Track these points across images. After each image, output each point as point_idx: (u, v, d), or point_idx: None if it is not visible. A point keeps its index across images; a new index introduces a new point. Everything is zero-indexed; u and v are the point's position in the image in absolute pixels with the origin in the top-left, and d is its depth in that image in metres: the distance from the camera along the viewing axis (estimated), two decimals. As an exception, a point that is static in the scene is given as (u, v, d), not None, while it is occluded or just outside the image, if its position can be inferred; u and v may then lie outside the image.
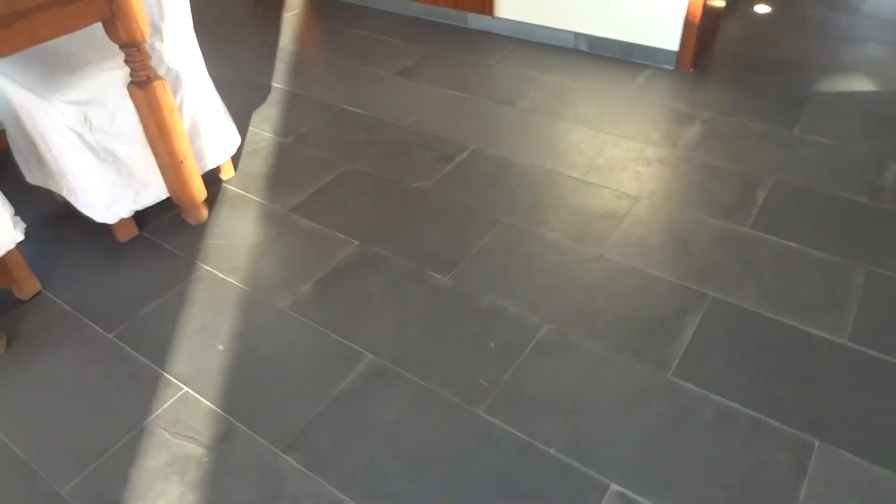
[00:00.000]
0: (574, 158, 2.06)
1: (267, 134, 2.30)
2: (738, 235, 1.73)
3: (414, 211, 1.90)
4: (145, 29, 1.53)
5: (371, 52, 2.82)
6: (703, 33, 2.46)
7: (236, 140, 2.01)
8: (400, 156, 2.14)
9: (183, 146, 1.74)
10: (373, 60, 2.74)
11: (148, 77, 1.60)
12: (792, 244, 1.69)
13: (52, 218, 1.94)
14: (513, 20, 2.82)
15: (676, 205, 1.85)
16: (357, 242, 1.79)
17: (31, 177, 1.89)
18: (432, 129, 2.26)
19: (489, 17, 2.87)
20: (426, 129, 2.26)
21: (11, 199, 1.59)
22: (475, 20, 2.93)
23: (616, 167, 2.01)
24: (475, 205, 1.90)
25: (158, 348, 1.53)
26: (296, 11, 3.26)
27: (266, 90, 2.57)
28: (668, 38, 2.48)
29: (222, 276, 1.72)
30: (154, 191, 1.82)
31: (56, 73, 1.59)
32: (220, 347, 1.52)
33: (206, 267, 1.75)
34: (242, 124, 2.36)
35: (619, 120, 2.24)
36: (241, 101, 2.49)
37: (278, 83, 2.61)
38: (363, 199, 1.96)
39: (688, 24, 2.40)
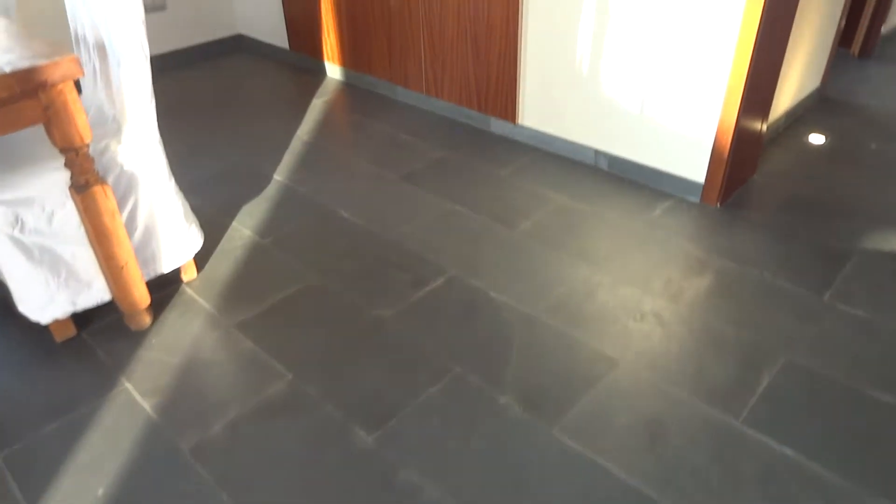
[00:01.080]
0: (560, 300, 1.83)
1: (247, 231, 2.20)
2: (724, 430, 1.43)
3: (365, 345, 1.71)
4: (85, 134, 1.45)
5: (385, 150, 2.72)
6: (734, 164, 2.21)
7: (197, 244, 1.90)
8: (372, 275, 1.97)
9: (124, 251, 1.64)
10: (383, 160, 2.63)
11: (87, 181, 1.52)
12: (788, 452, 1.38)
13: None
14: (535, 129, 2.67)
15: (661, 377, 1.58)
16: (290, 376, 1.62)
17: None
18: (417, 245, 2.09)
19: (511, 124, 2.73)
20: (410, 245, 2.09)
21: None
22: (498, 125, 2.79)
23: (605, 318, 1.77)
24: (431, 346, 1.69)
25: (39, 482, 1.38)
26: (327, 98, 3.23)
27: (264, 182, 2.50)
28: (694, 167, 2.25)
29: (138, 398, 1.57)
30: (96, 292, 1.72)
31: (-3, 170, 1.53)
32: (100, 492, 1.35)
33: (127, 385, 1.61)
34: (227, 218, 2.27)
35: (623, 258, 2.00)
36: (234, 192, 2.42)
37: (280, 175, 2.54)
38: (316, 324, 1.79)
39: (715, 153, 2.17)
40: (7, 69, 1.30)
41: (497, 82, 2.68)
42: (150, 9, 3.51)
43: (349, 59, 3.30)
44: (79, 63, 1.36)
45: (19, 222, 1.53)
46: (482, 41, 2.63)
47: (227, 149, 2.76)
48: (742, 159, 2.28)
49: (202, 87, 3.43)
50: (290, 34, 3.58)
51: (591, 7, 2.25)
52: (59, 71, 1.34)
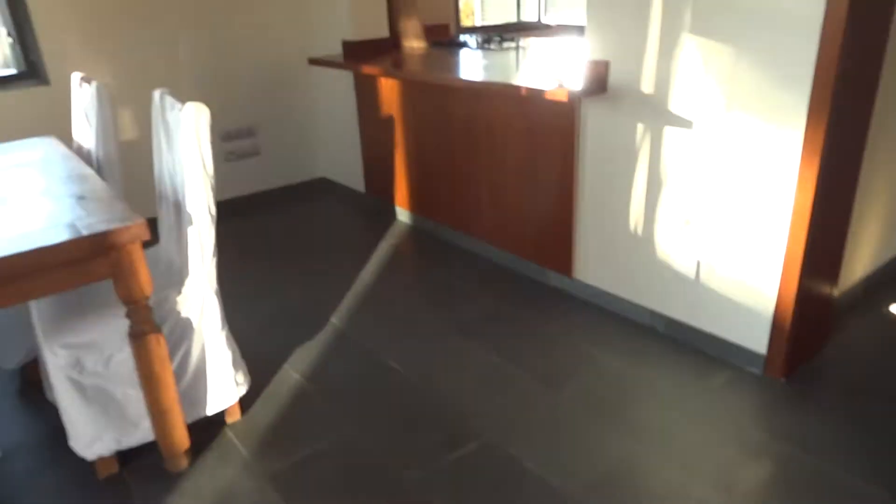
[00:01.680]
0: (599, 478, 1.72)
1: (295, 375, 2.25)
2: None
3: (388, 511, 1.66)
4: (146, 288, 1.58)
5: (442, 297, 2.77)
6: (799, 335, 2.09)
7: (242, 389, 1.96)
8: (408, 430, 1.94)
9: (168, 397, 1.71)
10: (438, 308, 2.68)
11: (143, 330, 1.63)
12: None
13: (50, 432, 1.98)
14: (590, 285, 2.65)
15: (705, 584, 1.41)
16: (308, 541, 1.58)
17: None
18: (458, 402, 2.06)
19: (568, 278, 2.73)
20: (451, 402, 2.07)
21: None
22: (555, 278, 2.80)
23: None
24: (456, 520, 1.61)
25: None
26: (394, 241, 3.38)
27: (322, 324, 2.58)
28: (754, 336, 2.14)
29: (158, 549, 1.57)
30: (142, 432, 1.79)
31: (67, 313, 1.68)
32: None
33: (150, 532, 1.62)
34: (280, 359, 2.34)
35: (673, 434, 1.88)
36: (291, 333, 2.51)
37: (336, 318, 2.62)
38: (338, 482, 1.76)
39: (777, 322, 2.06)
40: (85, 232, 1.46)
41: (554, 235, 2.72)
42: (246, 155, 3.89)
43: (417, 204, 3.48)
44: (146, 227, 1.51)
45: (79, 364, 1.64)
46: (540, 195, 2.71)
47: (293, 288, 2.91)
48: (808, 329, 2.15)
49: (282, 227, 3.68)
50: (367, 179, 3.84)
51: (644, 167, 2.30)
52: (128, 234, 1.49)
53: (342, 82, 3.71)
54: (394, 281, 2.95)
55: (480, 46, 3.65)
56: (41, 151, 2.23)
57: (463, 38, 4.03)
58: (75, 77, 2.39)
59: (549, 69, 2.72)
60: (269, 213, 3.88)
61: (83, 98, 2.30)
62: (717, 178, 2.10)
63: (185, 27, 3.47)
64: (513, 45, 3.68)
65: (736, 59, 1.95)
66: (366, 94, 3.57)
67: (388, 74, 3.11)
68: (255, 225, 3.72)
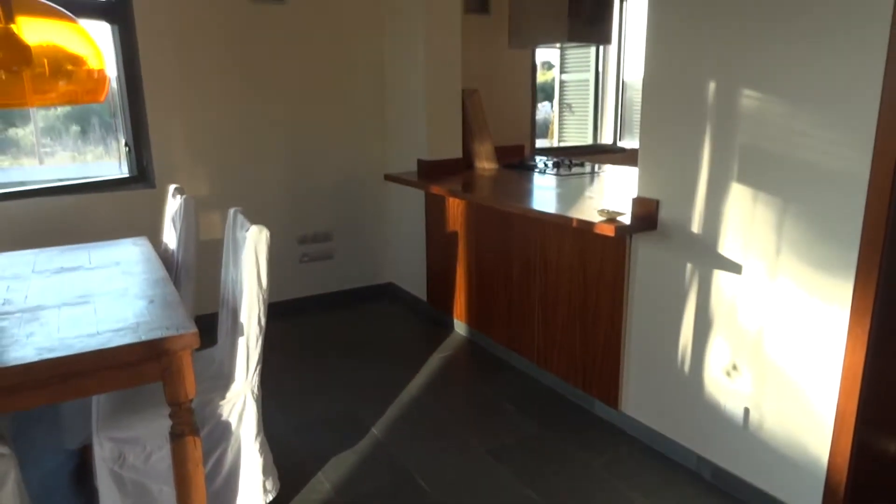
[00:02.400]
0: None
1: (327, 485, 2.28)
2: None
3: None
4: (191, 392, 1.70)
5: (484, 416, 2.77)
6: (858, 498, 1.92)
7: (270, 496, 2.01)
8: (426, 560, 1.91)
9: (197, 499, 1.79)
10: (479, 427, 2.67)
11: (183, 431, 1.74)
12: None
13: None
14: (636, 420, 2.57)
15: None
16: None
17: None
18: (481, 534, 2.02)
19: (614, 410, 2.66)
20: (474, 533, 2.02)
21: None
22: (601, 408, 2.74)
23: None
24: None
25: None
26: (447, 353, 3.43)
27: (361, 433, 2.62)
28: (807, 496, 1.98)
29: None
30: (171, 529, 1.86)
31: (121, 407, 1.82)
32: None
33: None
34: (315, 466, 2.39)
35: None
36: (330, 440, 2.56)
37: (377, 429, 2.66)
38: None
39: (830, 483, 1.91)
40: (143, 337, 1.61)
41: (601, 366, 2.68)
42: (320, 258, 4.13)
43: (473, 318, 3.54)
44: (197, 337, 1.65)
45: (122, 457, 1.76)
46: (590, 323, 2.71)
47: (342, 391, 2.99)
48: (868, 491, 1.97)
49: (344, 328, 3.83)
50: (429, 288, 3.96)
51: (692, 307, 2.27)
52: (180, 342, 1.64)
53: (414, 197, 3.94)
54: (440, 394, 2.97)
55: (550, 170, 3.80)
56: (131, 252, 2.50)
57: (535, 160, 4.20)
58: (171, 188, 2.70)
59: (605, 201, 2.80)
60: (334, 314, 4.06)
61: (174, 207, 2.58)
62: (766, 326, 2.05)
63: (277, 145, 3.85)
64: (583, 170, 3.80)
65: (783, 210, 1.96)
66: (434, 210, 3.76)
67: (452, 195, 3.28)
68: (318, 324, 3.89)
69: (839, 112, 1.78)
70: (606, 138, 5.59)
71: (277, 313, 3.98)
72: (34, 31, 1.95)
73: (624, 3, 5.32)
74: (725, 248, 2.14)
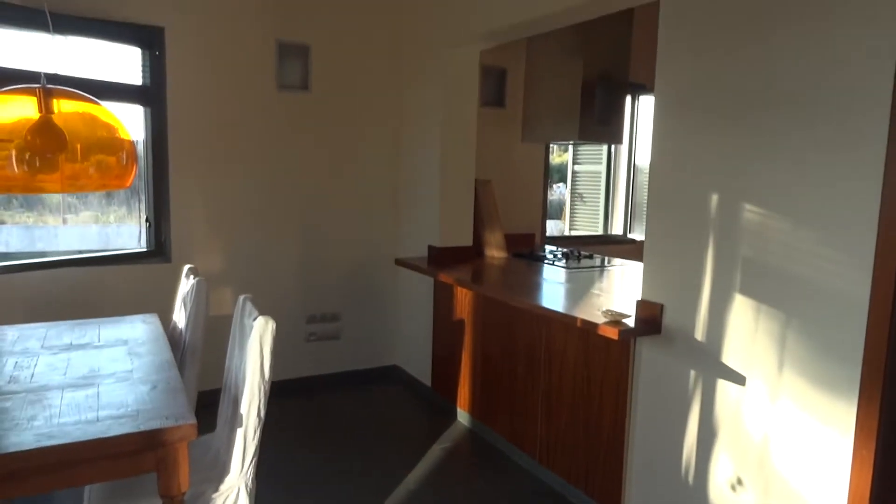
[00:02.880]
0: None
1: (316, 585, 2.21)
2: None
3: None
4: (184, 484, 1.69)
5: (479, 515, 2.69)
6: None
7: None
8: None
9: None
10: (473, 528, 2.59)
11: (171, 525, 1.71)
12: None
13: None
14: (639, 530, 2.49)
15: None
16: None
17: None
18: None
19: (616, 517, 2.58)
20: None
21: None
22: (603, 513, 2.66)
23: None
24: None
25: None
26: (449, 444, 3.37)
27: (355, 528, 2.56)
28: None
29: None
30: None
31: (113, 494, 1.80)
32: None
33: None
34: (305, 563, 2.32)
35: None
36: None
37: (371, 524, 2.59)
38: None
39: None
40: (142, 427, 1.62)
41: (604, 468, 2.63)
42: (327, 337, 4.15)
43: (477, 409, 3.50)
44: (195, 428, 1.66)
45: (108, 549, 1.73)
46: (592, 424, 2.67)
47: (337, 483, 2.93)
48: None
49: (347, 411, 3.80)
50: (434, 375, 3.94)
51: (695, 416, 2.24)
52: (178, 434, 1.64)
53: (423, 283, 3.98)
54: (439, 489, 2.90)
55: (559, 261, 3.84)
56: (140, 330, 2.53)
57: (545, 250, 4.27)
58: (185, 268, 2.76)
59: (612, 299, 2.82)
60: (338, 395, 4.03)
61: (186, 287, 2.64)
62: (771, 441, 2.01)
63: (293, 226, 3.95)
64: (592, 263, 3.84)
65: (785, 324, 1.96)
66: (442, 296, 3.79)
67: (460, 284, 3.32)
68: (321, 405, 3.86)
69: (838, 232, 1.82)
70: (617, 229, 5.67)
71: (281, 392, 3.96)
72: (70, 119, 2.07)
73: (636, 99, 5.52)
74: (729, 357, 2.14)
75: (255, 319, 1.88)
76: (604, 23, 3.49)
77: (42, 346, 2.29)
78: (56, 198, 4.33)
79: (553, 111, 3.80)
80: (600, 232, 5.69)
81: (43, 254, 3.46)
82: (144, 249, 3.57)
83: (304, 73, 3.85)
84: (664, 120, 2.32)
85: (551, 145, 4.92)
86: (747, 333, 2.08)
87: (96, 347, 2.31)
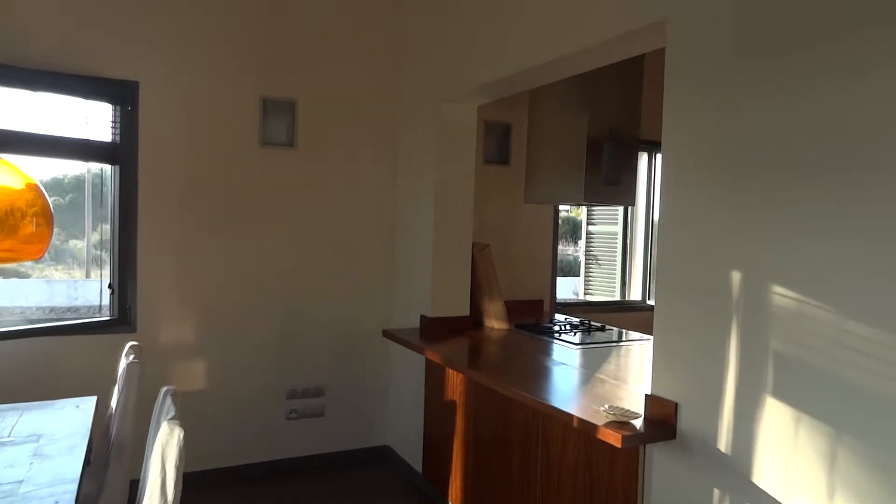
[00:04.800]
0: None
1: None
2: None
3: None
4: None
5: None
6: None
7: None
8: None
9: None
10: None
11: None
12: None
13: None
14: None
15: None
16: None
17: None
18: None
19: None
20: None
21: None
22: None
23: None
24: None
25: None
26: (435, 547, 2.91)
27: None
28: None
29: None
30: None
31: None
32: None
33: None
34: None
35: None
36: None
37: None
38: None
39: None
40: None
41: None
42: (310, 414, 3.75)
43: (470, 507, 3.04)
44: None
45: None
46: (597, 544, 2.22)
47: None
48: None
49: (329, 500, 3.36)
50: (425, 460, 3.50)
51: (721, 555, 1.79)
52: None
53: (414, 356, 3.59)
54: None
55: (567, 333, 3.42)
56: (65, 420, 2.19)
57: (552, 321, 3.85)
58: (127, 345, 2.43)
59: (622, 388, 2.40)
60: (320, 480, 3.60)
61: (121, 368, 2.30)
62: None
63: (273, 292, 3.62)
64: (605, 337, 3.41)
65: (835, 441, 1.54)
66: (433, 372, 3.40)
67: (447, 364, 2.93)
68: (302, 492, 3.44)
69: (899, 328, 1.41)
70: (635, 294, 5.24)
71: (259, 475, 3.57)
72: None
73: (653, 157, 5.18)
74: (762, 477, 1.70)
75: (160, 428, 1.52)
76: (611, 75, 3.19)
77: (-62, 443, 1.95)
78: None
79: (556, 171, 3.47)
80: (617, 297, 5.27)
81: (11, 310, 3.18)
82: (107, 318, 3.26)
83: (289, 129, 3.60)
84: (674, 182, 1.96)
85: (560, 211, 4.57)
86: (785, 448, 1.65)
87: (7, 444, 1.96)
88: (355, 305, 3.86)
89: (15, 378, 3.00)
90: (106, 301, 3.28)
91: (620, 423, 1.95)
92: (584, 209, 5.62)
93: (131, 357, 2.27)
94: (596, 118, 3.25)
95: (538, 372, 2.70)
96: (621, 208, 5.23)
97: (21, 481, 1.69)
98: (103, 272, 3.32)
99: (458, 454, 3.14)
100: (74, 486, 1.67)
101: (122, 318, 3.27)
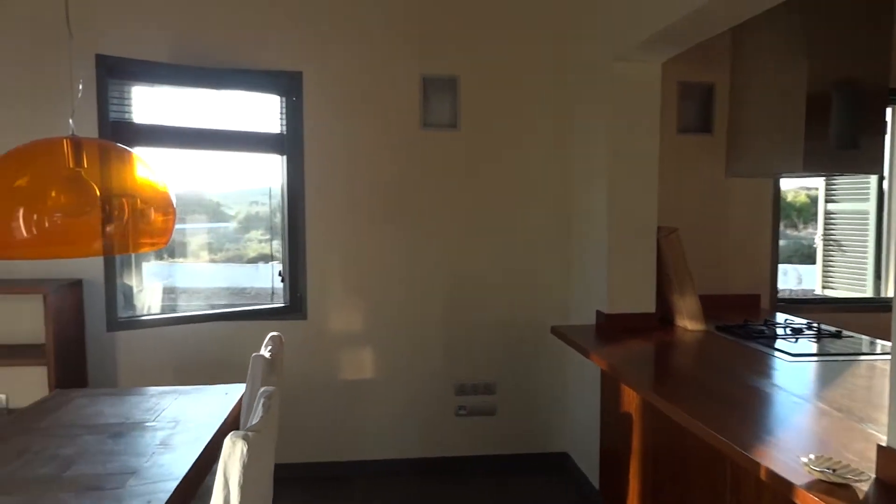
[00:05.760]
0: None
1: None
2: None
3: None
4: None
5: None
6: None
7: None
8: None
9: None
10: None
11: None
12: None
13: None
14: None
15: None
16: None
17: None
18: None
19: None
20: None
21: None
22: None
23: None
24: None
25: None
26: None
27: None
28: None
29: None
30: None
31: None
32: None
33: None
34: None
35: None
36: None
37: None
38: None
39: None
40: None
41: None
42: (479, 412, 3.52)
43: (647, 543, 2.55)
44: None
45: None
46: None
47: None
48: None
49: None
50: (602, 477, 3.06)
51: None
52: None
53: (589, 356, 3.15)
54: None
55: (787, 339, 2.69)
56: (206, 407, 2.22)
57: (768, 322, 3.11)
58: (268, 336, 2.39)
59: (847, 434, 1.74)
60: (490, 484, 3.37)
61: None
62: None
63: (440, 281, 3.44)
64: (845, 347, 2.58)
65: None
66: (609, 375, 2.93)
67: (612, 371, 2.45)
68: (468, 496, 3.23)
69: None
70: (892, 289, 4.10)
71: (426, 470, 3.45)
72: (104, 175, 1.82)
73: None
74: None
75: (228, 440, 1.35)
76: (841, 9, 2.40)
77: (93, 424, 2.06)
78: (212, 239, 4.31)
79: (765, 135, 2.74)
80: (869, 294, 4.18)
81: (194, 290, 3.45)
82: (281, 305, 3.35)
83: (452, 109, 3.37)
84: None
85: (783, 177, 3.71)
86: None
87: (140, 429, 2.01)
88: (528, 297, 3.52)
89: (194, 359, 3.23)
90: (278, 285, 3.39)
91: (833, 484, 1.36)
92: (821, 183, 4.56)
93: (269, 348, 2.22)
94: (819, 66, 2.48)
95: (731, 392, 2.10)
96: (873, 182, 4.13)
97: (133, 473, 1.69)
98: (273, 257, 3.43)
99: (635, 477, 2.65)
100: (172, 486, 1.61)
101: (294, 305, 3.34)
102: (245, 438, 1.32)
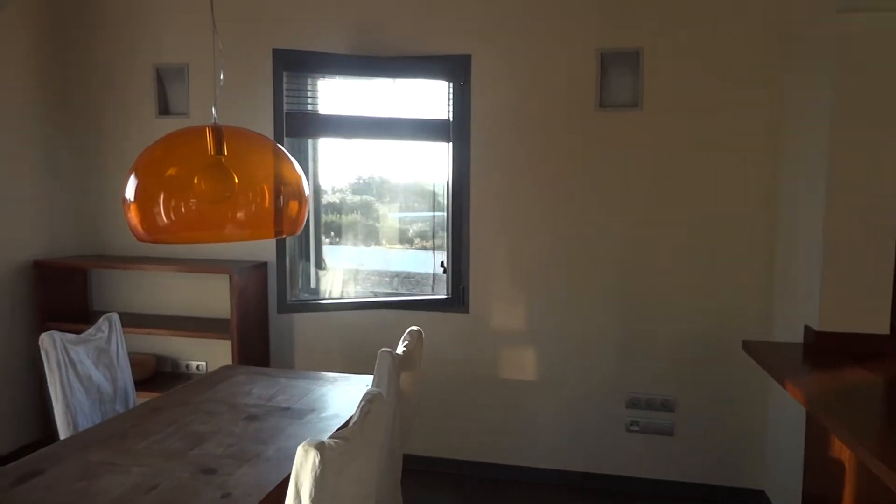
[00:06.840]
0: None
1: None
2: None
3: None
4: None
5: None
6: None
7: None
8: None
9: None
10: None
11: None
12: None
13: None
14: None
15: None
16: None
17: None
18: None
19: None
20: None
21: None
22: None
23: None
24: None
25: None
26: None
27: None
28: None
29: None
30: None
31: None
32: None
33: None
34: None
35: None
36: None
37: None
38: None
39: None
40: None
41: None
42: (654, 431, 3.11)
43: None
44: None
45: None
46: None
47: None
48: None
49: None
50: (803, 532, 2.49)
51: None
52: None
53: (792, 381, 2.58)
54: None
55: None
56: (345, 398, 2.20)
57: None
58: (406, 332, 2.28)
59: None
60: (655, 516, 2.96)
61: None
62: None
63: (611, 279, 3.09)
64: None
65: None
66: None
67: (813, 409, 1.92)
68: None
69: None
70: None
71: (587, 487, 3.16)
72: (242, 163, 1.85)
73: None
74: None
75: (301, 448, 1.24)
76: None
77: (237, 402, 2.14)
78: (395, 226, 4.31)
79: None
80: None
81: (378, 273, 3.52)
82: (443, 297, 3.27)
83: (634, 86, 2.98)
84: None
85: None
86: None
87: (277, 415, 2.03)
88: (719, 302, 3.01)
89: (358, 345, 3.28)
90: (438, 270, 3.33)
91: None
92: None
93: (405, 343, 2.13)
94: None
95: None
96: None
97: (249, 460, 1.68)
98: (436, 243, 3.37)
99: (844, 542, 2.08)
100: (274, 483, 1.57)
101: (456, 297, 3.24)
102: (319, 448, 1.20)
